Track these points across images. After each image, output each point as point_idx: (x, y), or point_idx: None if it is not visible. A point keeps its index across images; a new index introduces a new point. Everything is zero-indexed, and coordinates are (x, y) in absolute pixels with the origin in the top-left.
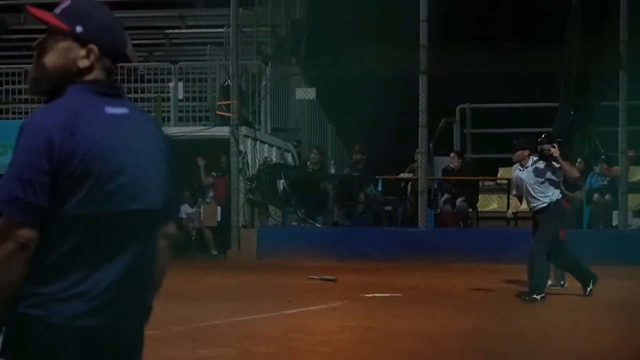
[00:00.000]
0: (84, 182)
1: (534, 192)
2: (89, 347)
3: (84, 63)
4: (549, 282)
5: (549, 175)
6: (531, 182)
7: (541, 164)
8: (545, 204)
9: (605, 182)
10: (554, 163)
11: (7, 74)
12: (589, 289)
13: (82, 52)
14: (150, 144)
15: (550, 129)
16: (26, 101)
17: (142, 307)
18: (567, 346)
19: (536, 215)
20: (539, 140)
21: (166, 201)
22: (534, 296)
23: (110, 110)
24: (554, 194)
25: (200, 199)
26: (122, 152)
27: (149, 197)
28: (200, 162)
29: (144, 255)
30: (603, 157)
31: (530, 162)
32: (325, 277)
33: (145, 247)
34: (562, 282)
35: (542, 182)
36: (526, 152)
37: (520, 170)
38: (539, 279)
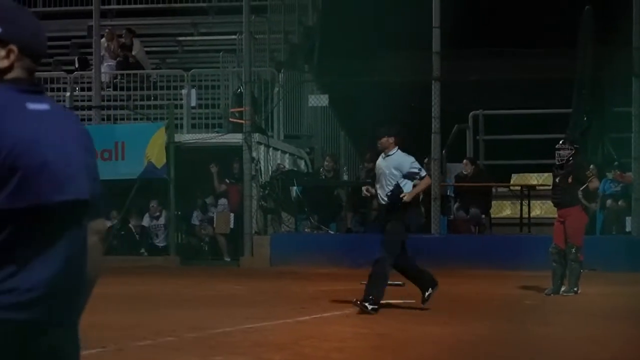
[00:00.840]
0: (11, 176)
1: (386, 183)
2: (22, 343)
3: (3, 63)
4: (562, 288)
5: (410, 172)
6: (387, 172)
7: (408, 158)
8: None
9: (618, 188)
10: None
11: None
12: (427, 293)
13: (2, 52)
14: (73, 137)
15: (563, 136)
16: None
17: (75, 303)
18: (579, 352)
19: (383, 209)
20: (557, 146)
21: (93, 193)
22: (366, 304)
23: (32, 106)
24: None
25: (213, 206)
26: (46, 146)
27: (76, 187)
28: (213, 169)
29: (74, 250)
30: (616, 163)
31: (394, 151)
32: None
33: (75, 242)
34: (575, 289)
35: (401, 176)
36: (391, 140)
37: (382, 158)
38: (374, 289)
